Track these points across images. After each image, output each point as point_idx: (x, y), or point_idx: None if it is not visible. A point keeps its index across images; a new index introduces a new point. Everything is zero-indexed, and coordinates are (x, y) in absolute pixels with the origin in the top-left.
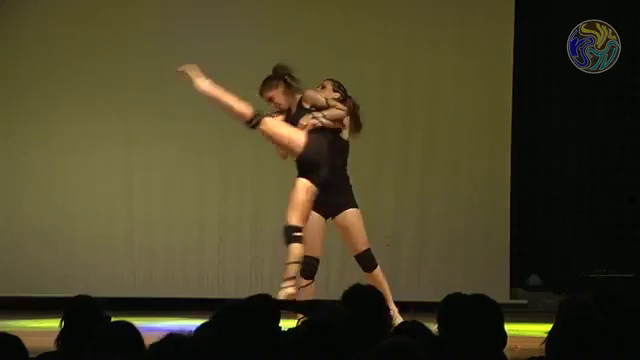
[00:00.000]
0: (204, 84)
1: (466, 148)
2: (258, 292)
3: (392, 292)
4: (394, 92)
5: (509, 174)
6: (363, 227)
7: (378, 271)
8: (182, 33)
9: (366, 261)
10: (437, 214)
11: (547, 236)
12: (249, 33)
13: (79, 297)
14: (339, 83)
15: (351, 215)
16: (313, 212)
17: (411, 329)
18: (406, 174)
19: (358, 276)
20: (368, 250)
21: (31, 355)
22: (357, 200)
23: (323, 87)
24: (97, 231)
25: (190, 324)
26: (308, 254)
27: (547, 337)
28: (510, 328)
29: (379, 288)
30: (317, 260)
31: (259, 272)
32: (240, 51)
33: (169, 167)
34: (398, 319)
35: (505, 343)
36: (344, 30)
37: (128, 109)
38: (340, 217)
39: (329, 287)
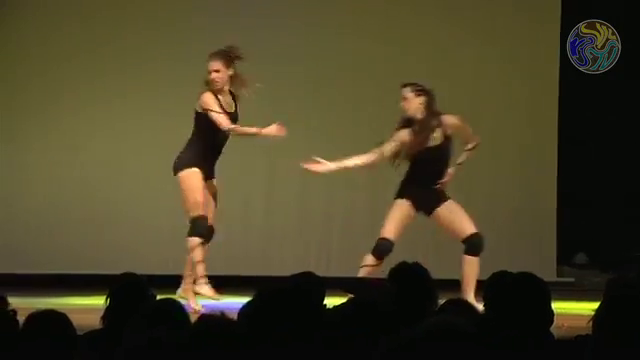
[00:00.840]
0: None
1: (513, 127)
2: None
3: (441, 270)
4: (441, 88)
5: (556, 153)
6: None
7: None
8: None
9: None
10: (485, 195)
11: (594, 215)
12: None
13: (125, 274)
14: (414, 85)
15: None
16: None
17: (457, 307)
18: (454, 157)
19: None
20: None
21: (77, 332)
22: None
23: (406, 98)
24: (144, 210)
25: (236, 302)
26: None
27: (594, 315)
28: (557, 306)
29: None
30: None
31: (305, 252)
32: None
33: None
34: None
35: (552, 321)
36: (389, 29)
37: (172, 85)
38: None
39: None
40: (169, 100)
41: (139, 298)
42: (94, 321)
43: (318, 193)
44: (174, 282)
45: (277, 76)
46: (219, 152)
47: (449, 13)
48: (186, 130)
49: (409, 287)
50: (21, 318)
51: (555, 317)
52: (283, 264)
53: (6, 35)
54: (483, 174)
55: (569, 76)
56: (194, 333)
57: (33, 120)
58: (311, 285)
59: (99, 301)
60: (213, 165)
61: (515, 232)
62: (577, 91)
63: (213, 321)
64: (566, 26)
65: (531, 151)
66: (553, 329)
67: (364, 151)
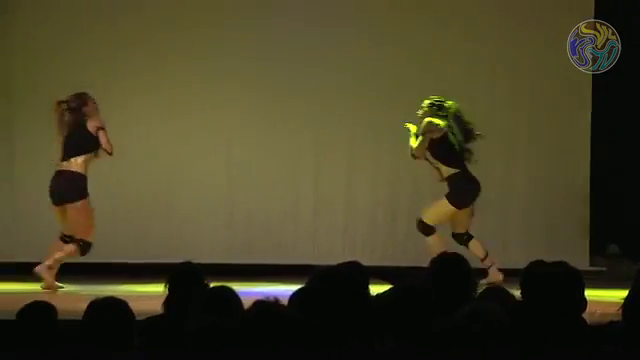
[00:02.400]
0: None
1: (547, 119)
2: (349, 260)
3: (478, 259)
4: (478, 88)
5: (589, 144)
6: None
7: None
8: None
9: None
10: (520, 186)
11: (626, 206)
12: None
13: (183, 264)
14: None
15: None
16: None
17: (495, 295)
18: (491, 150)
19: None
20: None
21: (138, 318)
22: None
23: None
24: (199, 202)
25: (285, 289)
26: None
27: (624, 302)
28: (590, 294)
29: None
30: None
31: (351, 241)
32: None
33: (266, 138)
34: None
35: (585, 308)
36: (426, 31)
37: (227, 79)
38: None
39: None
40: (217, 95)
41: (195, 286)
42: (154, 307)
43: (363, 188)
44: (226, 270)
45: (324, 76)
46: None
47: (487, 14)
48: (232, 122)
49: (449, 275)
50: (84, 304)
51: (588, 304)
52: (331, 254)
53: (73, 32)
54: (519, 170)
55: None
56: (249, 318)
57: None
58: (357, 273)
59: (158, 289)
60: None
61: (551, 224)
62: (609, 84)
63: (267, 307)
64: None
65: (565, 145)
66: (586, 315)
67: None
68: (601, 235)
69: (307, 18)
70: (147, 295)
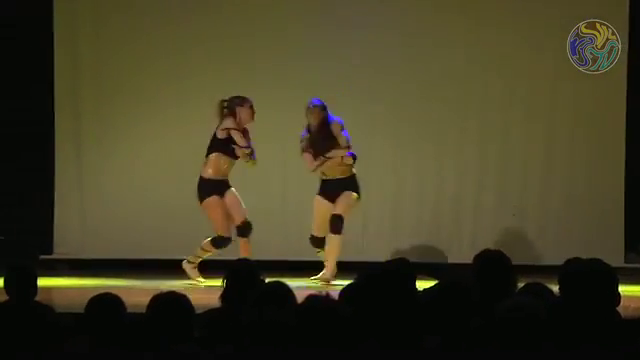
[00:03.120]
0: None
1: (584, 120)
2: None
3: (518, 257)
4: (518, 76)
5: (624, 146)
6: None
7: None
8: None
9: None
10: (558, 185)
11: None
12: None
13: (239, 260)
14: None
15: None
16: None
17: (535, 290)
18: (531, 151)
19: (488, 242)
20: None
21: (197, 310)
22: (488, 176)
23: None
24: (256, 203)
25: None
26: None
27: None
28: (624, 289)
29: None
30: None
31: (398, 239)
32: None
33: (286, 137)
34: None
35: (619, 302)
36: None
37: (274, 84)
38: None
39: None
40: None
41: (251, 280)
42: (211, 301)
43: (410, 190)
44: (281, 267)
45: (341, 82)
46: None
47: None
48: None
49: (491, 271)
50: (147, 299)
51: (622, 299)
52: (378, 251)
53: (91, 45)
54: (557, 171)
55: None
56: (302, 312)
57: (125, 119)
58: (405, 269)
59: (216, 283)
60: None
61: (587, 222)
62: None
63: (319, 301)
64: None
65: (600, 143)
66: (620, 309)
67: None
68: (635, 233)
69: (332, 23)
70: (205, 289)
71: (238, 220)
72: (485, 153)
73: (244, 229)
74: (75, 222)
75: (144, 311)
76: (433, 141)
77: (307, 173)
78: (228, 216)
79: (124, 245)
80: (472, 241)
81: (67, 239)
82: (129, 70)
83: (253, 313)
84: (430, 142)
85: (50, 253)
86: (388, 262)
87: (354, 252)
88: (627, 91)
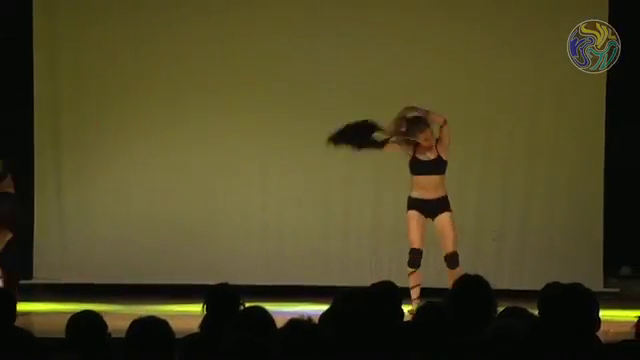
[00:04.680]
0: None
1: (563, 147)
2: (378, 280)
3: (498, 281)
4: (500, 97)
5: (603, 170)
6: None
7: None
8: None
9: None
10: (537, 210)
11: (638, 228)
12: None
13: (219, 285)
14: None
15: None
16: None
17: (514, 314)
18: (511, 175)
19: (467, 267)
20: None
21: (178, 336)
22: (465, 200)
23: None
24: (235, 226)
25: (317, 309)
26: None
27: (637, 321)
28: (604, 314)
29: None
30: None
31: (379, 261)
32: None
33: (298, 162)
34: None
35: (599, 327)
36: (450, 39)
37: (259, 104)
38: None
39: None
40: (251, 121)
41: (232, 305)
42: (192, 326)
43: (391, 210)
44: (259, 291)
45: (352, 102)
46: None
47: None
48: (266, 148)
49: (470, 296)
50: (127, 323)
51: (602, 324)
52: (358, 274)
53: (80, 58)
54: (536, 194)
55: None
56: (283, 335)
57: (106, 143)
58: (389, 293)
59: (196, 308)
60: None
61: (566, 246)
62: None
63: (300, 325)
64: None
65: (579, 171)
66: (600, 334)
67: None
68: (614, 257)
69: (341, 42)
70: (186, 314)
71: None
72: (465, 176)
73: None
74: (55, 247)
75: (122, 335)
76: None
77: (290, 193)
78: None
79: (104, 270)
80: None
81: (47, 264)
82: (111, 95)
83: (233, 338)
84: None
85: (30, 278)
86: (374, 285)
87: (334, 276)
88: (605, 107)
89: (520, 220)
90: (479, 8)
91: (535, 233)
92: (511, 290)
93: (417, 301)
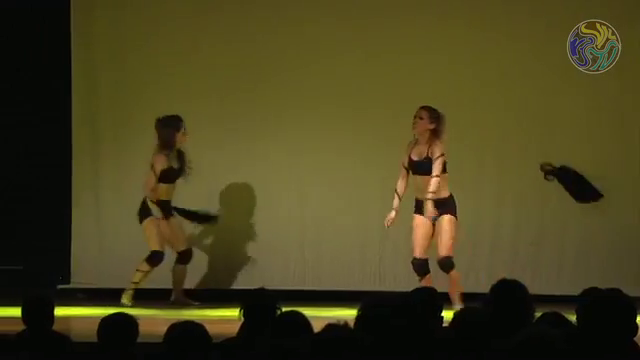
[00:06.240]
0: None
1: (601, 151)
2: (415, 286)
3: (536, 286)
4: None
5: None
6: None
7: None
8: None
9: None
10: (576, 214)
11: None
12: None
13: (257, 290)
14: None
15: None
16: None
17: (552, 320)
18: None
19: (505, 271)
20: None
21: (214, 341)
22: (503, 203)
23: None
24: (273, 231)
25: (354, 315)
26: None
27: None
28: None
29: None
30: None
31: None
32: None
33: (335, 169)
34: None
35: (637, 333)
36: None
37: (298, 115)
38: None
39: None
40: (291, 127)
41: (269, 310)
42: (230, 330)
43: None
44: (297, 296)
45: (389, 113)
46: None
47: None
48: (306, 155)
49: (508, 301)
50: (164, 327)
51: None
52: (395, 281)
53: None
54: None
55: None
56: (320, 340)
57: (143, 144)
58: (429, 298)
59: (233, 313)
60: None
61: (604, 252)
62: None
63: (338, 329)
64: None
65: (618, 171)
66: (638, 339)
67: None
68: None
69: (372, 51)
70: (223, 320)
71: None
72: (503, 180)
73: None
74: (92, 251)
75: (161, 341)
76: (453, 170)
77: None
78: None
79: None
80: (489, 271)
81: (85, 268)
82: (150, 95)
83: (269, 343)
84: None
85: (68, 282)
86: (415, 290)
87: (371, 282)
88: None
89: (559, 224)
90: (491, 12)
91: (573, 237)
92: (549, 295)
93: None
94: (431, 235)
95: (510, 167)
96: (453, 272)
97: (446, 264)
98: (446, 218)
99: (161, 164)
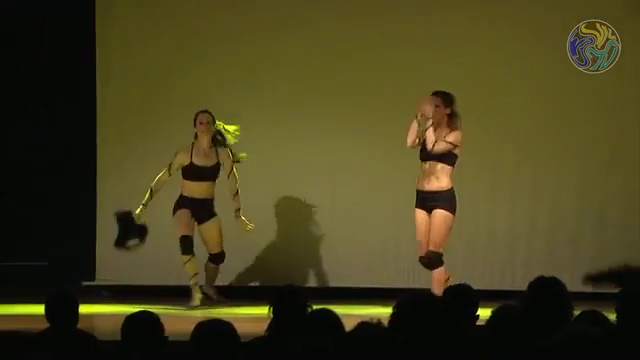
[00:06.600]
0: None
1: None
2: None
3: (574, 284)
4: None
5: None
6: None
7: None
8: None
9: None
10: (615, 210)
11: None
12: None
13: (286, 286)
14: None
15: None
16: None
17: (591, 318)
18: (587, 174)
19: (542, 269)
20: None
21: (243, 339)
22: (539, 199)
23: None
24: (303, 226)
25: (386, 312)
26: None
27: None
28: None
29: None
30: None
31: (450, 267)
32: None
33: (366, 162)
34: None
35: None
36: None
37: (327, 109)
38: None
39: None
40: (322, 126)
41: (298, 308)
42: (258, 329)
43: (463, 217)
44: (328, 294)
45: None
46: None
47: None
48: (337, 153)
49: (546, 299)
50: (191, 326)
51: None
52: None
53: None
54: (616, 198)
55: None
56: (353, 339)
57: (169, 141)
58: (464, 296)
59: (262, 311)
60: None
61: None
62: None
63: (370, 328)
64: None
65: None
66: None
67: None
68: None
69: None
70: (250, 317)
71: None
72: (539, 176)
73: None
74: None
75: (185, 338)
76: (487, 167)
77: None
78: None
79: (168, 272)
80: (525, 268)
81: (109, 265)
82: (178, 88)
83: (300, 342)
84: (484, 169)
85: (92, 280)
86: (450, 288)
87: (406, 279)
88: None
89: (597, 220)
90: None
91: (613, 233)
92: (588, 293)
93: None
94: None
95: (551, 160)
96: (437, 271)
97: (432, 259)
98: (438, 213)
99: (179, 159)
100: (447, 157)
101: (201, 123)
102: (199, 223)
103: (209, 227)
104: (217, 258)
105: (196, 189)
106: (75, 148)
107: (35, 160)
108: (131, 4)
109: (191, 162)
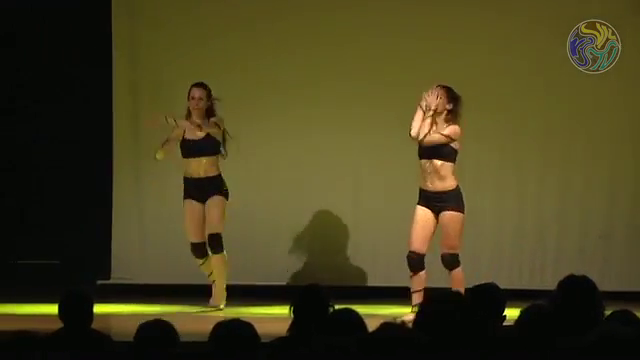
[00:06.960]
0: None
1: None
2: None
3: (605, 282)
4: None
5: None
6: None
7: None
8: None
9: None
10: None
11: None
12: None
13: (308, 286)
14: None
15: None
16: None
17: (622, 318)
18: (618, 171)
19: (572, 267)
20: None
21: (263, 339)
22: (569, 196)
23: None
24: (324, 224)
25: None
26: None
27: None
28: None
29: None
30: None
31: (478, 265)
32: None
33: (393, 163)
34: None
35: None
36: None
37: (351, 99)
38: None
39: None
40: (345, 121)
41: (321, 308)
42: (279, 329)
43: (490, 215)
44: (350, 293)
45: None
46: None
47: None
48: (361, 147)
49: (576, 298)
50: (205, 326)
51: None
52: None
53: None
54: (624, 200)
55: None
56: (376, 339)
57: None
58: (490, 295)
59: (282, 311)
60: None
61: None
62: None
63: (394, 329)
64: None
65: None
66: None
67: None
68: None
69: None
70: (271, 317)
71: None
72: (568, 173)
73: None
74: (133, 247)
75: (203, 339)
76: (514, 166)
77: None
78: None
79: (184, 270)
80: (555, 267)
81: (125, 264)
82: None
83: (322, 342)
84: (509, 167)
85: (107, 278)
86: (475, 287)
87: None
88: None
89: (628, 218)
90: None
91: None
92: (619, 292)
93: (416, 308)
94: (432, 229)
95: (578, 158)
96: (456, 271)
97: (449, 261)
98: (448, 215)
99: (176, 134)
100: (445, 153)
101: (193, 98)
102: (204, 202)
103: (210, 203)
104: (212, 240)
105: (193, 166)
106: (91, 146)
107: (49, 157)
108: None
109: (183, 137)
